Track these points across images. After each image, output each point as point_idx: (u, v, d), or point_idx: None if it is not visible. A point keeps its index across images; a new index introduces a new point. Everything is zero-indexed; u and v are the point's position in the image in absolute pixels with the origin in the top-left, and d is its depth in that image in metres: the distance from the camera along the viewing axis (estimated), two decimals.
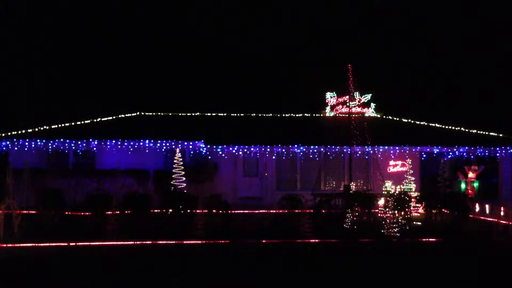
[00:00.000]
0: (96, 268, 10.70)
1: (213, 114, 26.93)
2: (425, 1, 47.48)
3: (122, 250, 12.52)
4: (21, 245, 12.72)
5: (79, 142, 21.31)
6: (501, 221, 16.20)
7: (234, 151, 22.19)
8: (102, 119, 24.77)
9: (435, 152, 22.91)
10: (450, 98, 40.89)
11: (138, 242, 13.16)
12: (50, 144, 21.23)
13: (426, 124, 26.12)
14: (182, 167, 19.71)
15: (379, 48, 42.60)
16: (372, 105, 25.75)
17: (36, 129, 22.34)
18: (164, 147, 21.87)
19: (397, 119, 26.89)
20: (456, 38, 44.98)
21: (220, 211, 16.19)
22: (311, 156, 22.75)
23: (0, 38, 39.88)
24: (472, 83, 41.30)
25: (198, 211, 14.62)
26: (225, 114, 27.01)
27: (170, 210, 16.46)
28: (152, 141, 21.54)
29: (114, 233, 13.71)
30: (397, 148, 22.71)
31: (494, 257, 12.23)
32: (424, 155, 23.42)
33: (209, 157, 22.14)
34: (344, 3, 48.12)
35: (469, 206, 18.02)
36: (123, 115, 25.87)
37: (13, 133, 21.59)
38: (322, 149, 22.17)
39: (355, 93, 25.27)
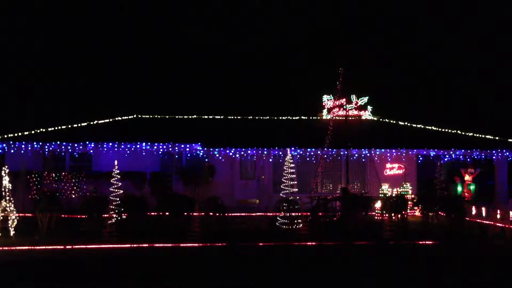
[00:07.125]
0: (92, 271, 10.66)
1: (210, 116, 26.94)
2: (421, 4, 47.63)
3: (118, 253, 12.47)
4: (17, 248, 12.66)
5: (75, 145, 21.28)
6: (497, 224, 16.22)
7: (231, 153, 22.19)
8: (99, 122, 24.74)
9: (432, 155, 22.96)
10: (446, 101, 41.05)
11: (134, 245, 13.13)
12: (46, 147, 21.18)
13: (422, 127, 26.18)
14: (179, 170, 19.66)
15: (376, 51, 42.70)
16: (369, 108, 25.83)
17: (33, 132, 22.27)
18: (161, 150, 21.85)
19: (394, 122, 26.94)
20: (453, 41, 45.14)
21: (217, 214, 16.15)
22: (308, 159, 22.78)
23: None
24: (468, 86, 41.46)
25: (195, 213, 14.59)
26: (222, 117, 27.02)
27: (167, 213, 16.41)
28: (148, 143, 21.52)
29: (110, 236, 13.67)
30: (393, 151, 22.74)
31: (491, 259, 12.25)
32: (421, 158, 23.44)
33: (206, 160, 22.12)
34: (342, 6, 48.23)
35: (466, 208, 18.04)
36: (119, 118, 25.83)
37: (9, 135, 21.53)
38: (319, 152, 22.17)
39: (351, 96, 25.36)
